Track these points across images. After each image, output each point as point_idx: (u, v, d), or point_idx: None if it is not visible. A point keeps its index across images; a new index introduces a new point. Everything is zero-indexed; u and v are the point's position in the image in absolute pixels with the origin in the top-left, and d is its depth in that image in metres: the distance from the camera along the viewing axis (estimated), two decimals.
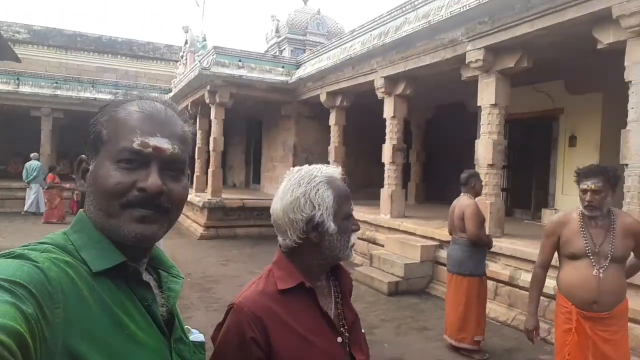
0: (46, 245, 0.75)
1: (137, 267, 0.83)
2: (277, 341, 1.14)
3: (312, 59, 11.40)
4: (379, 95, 8.90)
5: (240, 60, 11.47)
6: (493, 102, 6.49)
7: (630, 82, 4.79)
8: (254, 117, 15.05)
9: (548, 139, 8.61)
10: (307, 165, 1.30)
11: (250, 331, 1.13)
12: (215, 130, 11.81)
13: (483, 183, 6.65)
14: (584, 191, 2.69)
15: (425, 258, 6.98)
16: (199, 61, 11.58)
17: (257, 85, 11.65)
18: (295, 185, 1.23)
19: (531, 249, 5.63)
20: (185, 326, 0.98)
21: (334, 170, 1.30)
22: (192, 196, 12.12)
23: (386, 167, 8.92)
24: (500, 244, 6.00)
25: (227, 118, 12.02)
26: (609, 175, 2.67)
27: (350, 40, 9.62)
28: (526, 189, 9.12)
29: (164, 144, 0.82)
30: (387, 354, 4.40)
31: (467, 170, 5.00)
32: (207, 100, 11.73)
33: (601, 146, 7.64)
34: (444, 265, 6.84)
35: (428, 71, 7.83)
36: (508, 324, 5.45)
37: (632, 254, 2.80)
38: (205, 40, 14.93)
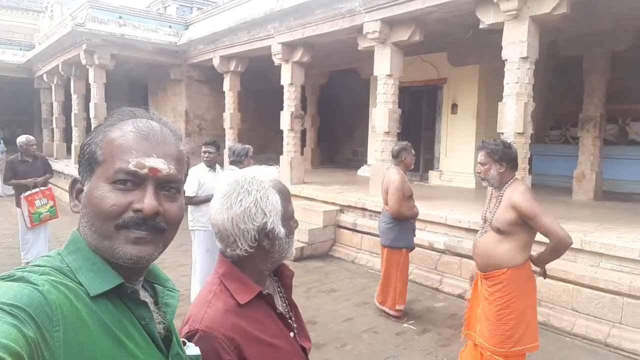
0: (44, 268, 0.74)
1: (135, 288, 0.83)
2: (250, 355, 1.14)
3: (203, 20, 10.79)
4: (276, 61, 8.81)
5: (120, 17, 10.41)
6: (388, 73, 6.85)
7: (506, 60, 5.39)
8: (139, 80, 13.92)
9: (433, 106, 9.37)
10: (246, 170, 1.26)
11: (226, 355, 1.10)
12: (96, 95, 10.73)
13: (380, 150, 7.13)
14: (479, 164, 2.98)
15: (327, 223, 7.30)
16: (71, 15, 10.26)
17: (142, 47, 10.74)
18: (244, 193, 1.18)
19: (424, 210, 6.16)
20: (182, 339, 0.99)
21: (272, 169, 1.28)
22: (72, 168, 11.00)
23: (285, 134, 8.98)
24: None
25: (108, 81, 10.97)
26: (489, 150, 2.86)
27: (245, 2, 9.27)
28: (415, 153, 9.85)
29: (160, 164, 0.82)
30: None
31: (399, 143, 4.98)
32: (84, 62, 10.55)
33: (478, 114, 8.55)
34: (345, 228, 7.27)
35: (326, 39, 7.92)
36: None
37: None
38: None
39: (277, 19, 8.30)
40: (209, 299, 1.18)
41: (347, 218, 7.27)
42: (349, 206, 7.30)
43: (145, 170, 0.80)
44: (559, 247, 2.78)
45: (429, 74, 9.08)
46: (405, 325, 4.59)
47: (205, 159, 4.69)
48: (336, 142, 14.69)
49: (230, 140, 10.76)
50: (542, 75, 9.37)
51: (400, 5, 6.23)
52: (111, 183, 0.79)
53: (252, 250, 1.19)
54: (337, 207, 7.50)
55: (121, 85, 14.10)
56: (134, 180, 0.80)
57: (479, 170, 2.94)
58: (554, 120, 9.64)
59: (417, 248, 6.09)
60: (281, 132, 9.02)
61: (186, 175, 0.91)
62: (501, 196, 2.86)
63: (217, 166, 4.82)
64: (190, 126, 12.15)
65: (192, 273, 4.90)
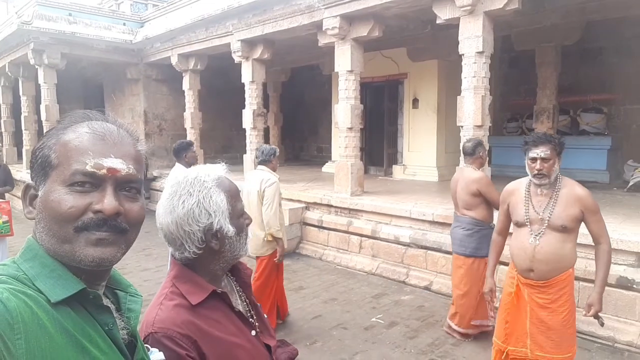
0: (0, 277, 0.73)
1: (98, 293, 0.81)
2: (208, 352, 1.12)
3: (159, 17, 10.49)
4: (236, 59, 8.68)
5: (70, 14, 9.99)
6: (349, 69, 6.86)
7: (463, 54, 5.50)
8: (93, 80, 13.41)
9: (395, 101, 9.47)
10: (189, 170, 1.24)
11: (182, 350, 1.08)
12: (47, 96, 10.26)
13: (344, 146, 7.14)
14: (534, 159, 2.63)
15: (293, 221, 7.26)
16: (17, 13, 9.75)
17: (95, 45, 10.34)
18: (186, 195, 1.16)
19: (389, 204, 6.28)
20: (145, 345, 0.99)
21: (218, 168, 1.26)
22: (24, 173, 10.48)
23: (247, 132, 8.86)
24: (362, 202, 6.55)
25: (60, 81, 10.51)
26: (555, 143, 2.63)
27: None
28: (379, 148, 9.99)
29: (119, 164, 0.81)
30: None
31: (471, 139, 4.44)
32: (32, 61, 10.05)
33: (438, 108, 8.71)
34: (312, 225, 7.26)
35: (286, 35, 7.86)
36: (373, 273, 6.06)
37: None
38: None
39: (235, 15, 8.17)
40: (160, 301, 1.16)
41: (313, 215, 7.25)
42: (315, 203, 7.29)
43: (104, 171, 0.79)
44: (610, 251, 2.68)
45: (389, 69, 9.16)
46: (374, 319, 4.62)
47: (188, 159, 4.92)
48: (300, 139, 14.64)
49: (191, 140, 10.53)
50: (498, 68, 9.67)
51: (358, 1, 6.24)
52: (68, 185, 0.78)
53: (200, 251, 1.17)
54: (303, 205, 7.47)
55: (74, 85, 13.55)
56: (92, 182, 0.79)
57: (540, 167, 2.61)
58: (511, 112, 9.94)
59: (383, 242, 6.19)
60: (244, 130, 8.89)
61: (145, 175, 0.89)
62: (557, 192, 2.65)
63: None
64: (149, 127, 11.82)
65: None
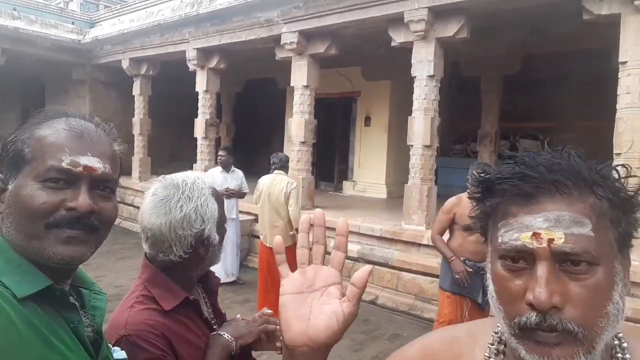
0: None
1: (65, 290, 0.81)
2: (182, 352, 1.13)
3: (111, 18, 10.19)
4: (191, 67, 8.57)
5: (15, 9, 9.48)
6: (305, 84, 6.96)
7: (415, 77, 5.74)
8: (35, 78, 12.71)
9: (348, 118, 9.67)
10: (182, 174, 1.24)
11: (156, 349, 1.08)
12: None
13: (296, 159, 7.18)
14: None
15: (242, 232, 7.17)
16: None
17: (40, 42, 9.85)
18: (185, 199, 1.16)
19: (336, 219, 6.34)
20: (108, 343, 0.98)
21: (205, 175, 1.32)
22: None
23: (199, 142, 8.73)
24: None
25: None
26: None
27: (158, 4, 8.91)
28: (330, 163, 10.13)
29: (95, 163, 0.81)
30: None
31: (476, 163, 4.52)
32: None
33: (389, 127, 8.97)
34: (259, 238, 7.18)
35: (244, 47, 7.86)
36: None
37: None
38: None
39: (192, 23, 8.08)
40: (131, 304, 1.15)
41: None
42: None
43: (80, 169, 0.79)
44: None
45: (343, 87, 9.37)
46: None
47: (219, 161, 6.07)
48: (252, 152, 14.53)
49: (139, 147, 10.22)
50: (447, 93, 10.11)
51: (317, 19, 6.38)
52: (41, 181, 0.77)
53: (186, 256, 1.17)
54: (252, 217, 7.41)
55: (13, 81, 12.78)
56: (66, 179, 0.78)
57: None
58: (457, 135, 10.41)
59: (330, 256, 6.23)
60: (195, 139, 8.74)
61: (119, 175, 0.89)
62: None
63: (233, 167, 6.08)
64: None
65: None
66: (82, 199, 0.78)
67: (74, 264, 0.80)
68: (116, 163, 0.87)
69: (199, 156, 8.69)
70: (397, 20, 5.76)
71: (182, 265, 1.19)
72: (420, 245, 5.51)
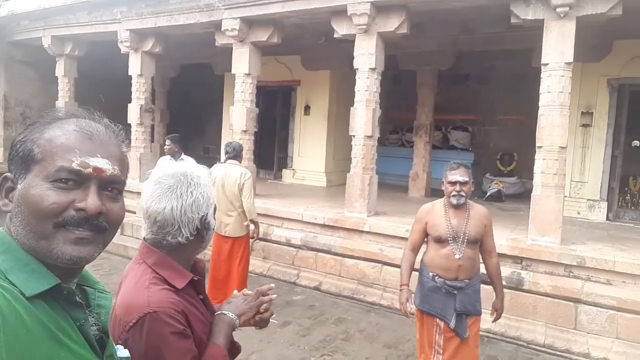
0: None
1: (72, 289, 0.82)
2: (196, 329, 1.24)
3: None
4: (124, 49, 8.14)
5: None
6: (247, 72, 6.89)
7: (357, 69, 5.89)
8: None
9: (287, 107, 9.69)
10: (184, 165, 1.34)
11: (180, 325, 1.18)
12: None
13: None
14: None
15: None
16: None
17: None
18: (194, 185, 1.27)
19: (280, 207, 6.44)
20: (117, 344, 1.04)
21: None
22: None
23: (133, 128, 8.34)
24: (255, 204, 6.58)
25: None
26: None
27: None
28: (270, 152, 10.11)
29: (105, 164, 0.82)
30: None
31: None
32: None
33: (329, 116, 9.13)
34: None
35: (181, 31, 7.60)
36: (264, 274, 6.14)
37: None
38: None
39: (125, 3, 7.65)
40: (146, 285, 1.22)
41: None
42: None
43: (90, 170, 0.80)
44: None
45: (283, 75, 9.36)
46: None
47: (165, 150, 5.76)
48: (186, 138, 14.05)
49: None
50: (383, 84, 10.44)
51: (260, 6, 6.31)
52: (51, 181, 0.78)
53: (192, 238, 1.28)
54: None
55: None
56: (75, 180, 0.79)
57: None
58: (392, 125, 10.81)
59: (274, 244, 6.30)
60: (128, 125, 8.34)
61: (127, 176, 0.92)
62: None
63: (183, 155, 5.66)
64: (10, 114, 10.43)
65: None
66: (92, 200, 0.80)
67: (82, 264, 0.82)
68: (124, 164, 0.90)
69: (133, 143, 8.30)
70: (341, 13, 5.86)
71: (185, 248, 1.29)
72: (362, 232, 5.72)
